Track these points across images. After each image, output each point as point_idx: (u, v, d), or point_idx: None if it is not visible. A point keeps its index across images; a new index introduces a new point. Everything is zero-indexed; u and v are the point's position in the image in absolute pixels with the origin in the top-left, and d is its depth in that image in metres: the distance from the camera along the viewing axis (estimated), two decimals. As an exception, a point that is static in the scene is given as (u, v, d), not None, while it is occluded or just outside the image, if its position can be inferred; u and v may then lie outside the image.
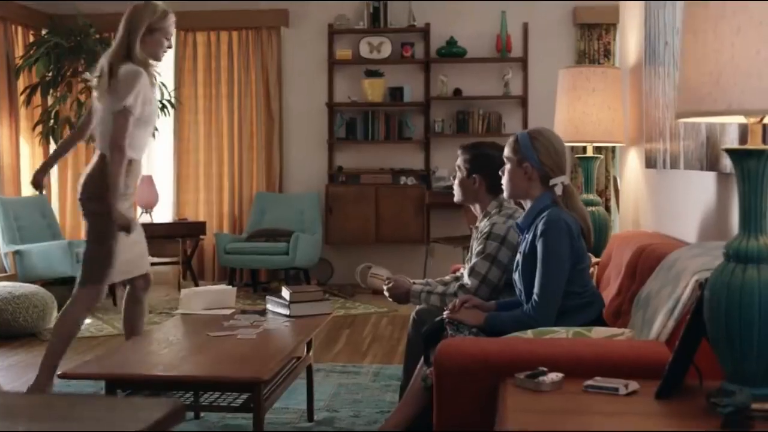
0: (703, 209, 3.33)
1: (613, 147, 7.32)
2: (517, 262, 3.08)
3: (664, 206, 3.98)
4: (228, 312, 4.10)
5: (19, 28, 8.20)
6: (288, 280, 7.87)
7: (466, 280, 3.59)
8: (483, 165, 3.69)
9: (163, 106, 7.99)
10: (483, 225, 3.67)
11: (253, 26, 8.60)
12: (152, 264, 8.37)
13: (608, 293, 3.44)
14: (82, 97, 7.85)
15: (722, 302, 1.91)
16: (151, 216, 8.19)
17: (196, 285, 7.81)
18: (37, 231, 7.37)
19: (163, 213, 8.63)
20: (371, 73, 8.41)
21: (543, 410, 2.04)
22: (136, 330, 4.50)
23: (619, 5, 5.23)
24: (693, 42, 1.91)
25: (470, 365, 2.44)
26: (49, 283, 6.97)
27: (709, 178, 3.24)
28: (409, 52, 8.40)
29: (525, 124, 8.28)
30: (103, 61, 4.32)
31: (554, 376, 2.19)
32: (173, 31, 4.41)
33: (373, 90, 8.34)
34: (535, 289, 2.94)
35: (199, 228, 8.18)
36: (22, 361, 5.38)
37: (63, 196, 8.70)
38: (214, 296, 4.25)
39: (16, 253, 7.03)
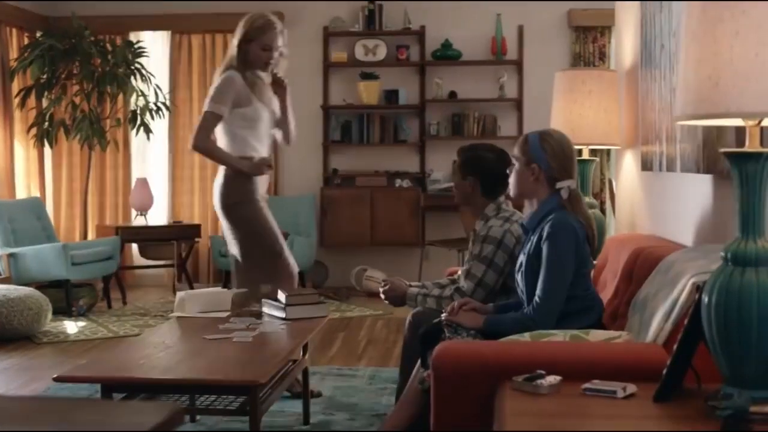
0: (700, 212, 3.33)
1: (608, 150, 7.32)
2: (521, 262, 3.07)
3: (660, 209, 3.98)
4: (224, 315, 4.09)
5: (14, 30, 8.18)
6: (283, 283, 7.84)
7: (462, 282, 3.59)
8: (476, 167, 3.68)
9: (158, 109, 7.99)
10: (480, 228, 3.67)
11: (248, 29, 8.58)
12: (147, 267, 8.45)
13: (604, 296, 3.44)
14: (77, 100, 7.84)
15: (721, 305, 1.91)
16: (146, 218, 8.17)
17: (191, 288, 7.79)
18: (32, 234, 7.34)
19: (158, 215, 8.61)
20: (366, 76, 8.41)
21: (541, 413, 2.04)
22: None
23: (615, 7, 5.24)
24: (692, 45, 1.91)
25: (468, 368, 2.44)
26: (43, 286, 6.96)
27: (705, 180, 3.24)
28: (405, 55, 8.39)
29: (520, 127, 8.29)
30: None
31: (552, 379, 2.19)
32: (275, 43, 4.51)
33: (369, 92, 8.33)
34: (538, 291, 2.93)
35: (194, 230, 8.16)
36: (16, 365, 5.36)
37: (57, 199, 8.68)
38: (209, 299, 4.24)
39: (11, 255, 7.01)
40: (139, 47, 8.06)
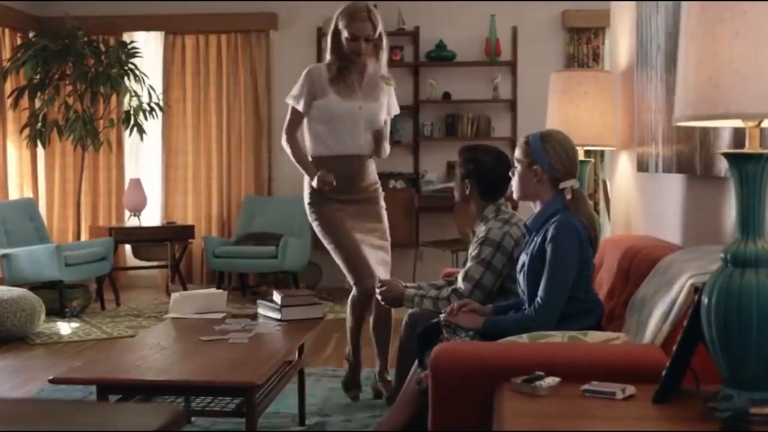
0: (696, 213, 3.33)
1: (602, 151, 7.33)
2: (523, 263, 3.07)
3: (655, 210, 3.98)
4: (219, 316, 4.08)
5: (7, 31, 8.15)
6: (277, 284, 7.84)
7: (459, 284, 3.59)
8: (472, 170, 3.68)
9: (151, 110, 7.97)
10: (479, 229, 3.66)
11: (242, 29, 8.58)
12: (141, 267, 8.43)
13: (601, 297, 3.43)
14: (70, 100, 7.82)
15: (720, 306, 1.90)
16: (139, 219, 8.14)
17: (185, 289, 7.77)
18: (25, 234, 7.32)
19: (152, 216, 8.59)
20: (360, 77, 8.39)
21: (540, 415, 2.04)
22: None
23: (610, 8, 5.24)
24: (691, 45, 1.91)
25: (467, 369, 2.43)
26: (36, 287, 6.93)
27: (702, 182, 3.24)
28: (398, 56, 8.39)
29: (514, 128, 8.29)
30: None
31: (551, 380, 2.19)
32: (360, 32, 4.25)
33: (363, 93, 8.31)
34: (540, 292, 2.93)
35: (188, 231, 8.14)
36: (10, 366, 5.34)
37: (50, 200, 8.66)
38: (204, 300, 4.23)
39: (4, 256, 6.98)
40: (133, 48, 8.04)
